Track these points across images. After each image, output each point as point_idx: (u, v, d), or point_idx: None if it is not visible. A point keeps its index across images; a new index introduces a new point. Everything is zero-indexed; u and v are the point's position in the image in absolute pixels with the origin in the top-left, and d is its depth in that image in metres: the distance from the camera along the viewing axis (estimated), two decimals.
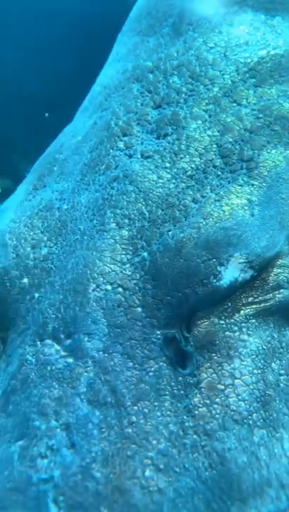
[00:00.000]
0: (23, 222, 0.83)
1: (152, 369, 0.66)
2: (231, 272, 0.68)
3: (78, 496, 0.58)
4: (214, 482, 0.62)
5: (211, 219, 0.69)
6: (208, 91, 0.87)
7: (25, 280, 0.76)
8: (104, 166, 0.83)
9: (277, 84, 0.88)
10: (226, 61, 0.91)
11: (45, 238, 0.79)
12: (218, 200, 0.71)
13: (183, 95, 0.88)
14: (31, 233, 0.81)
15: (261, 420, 0.65)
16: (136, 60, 0.98)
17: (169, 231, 0.71)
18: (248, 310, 0.70)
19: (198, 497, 0.60)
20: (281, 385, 0.67)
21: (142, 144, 0.84)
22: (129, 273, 0.70)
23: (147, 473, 0.60)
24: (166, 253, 0.69)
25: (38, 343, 0.69)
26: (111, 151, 0.85)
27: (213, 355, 0.67)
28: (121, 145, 0.85)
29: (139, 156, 0.82)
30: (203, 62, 0.91)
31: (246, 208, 0.70)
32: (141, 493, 0.59)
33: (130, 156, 0.83)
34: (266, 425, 0.65)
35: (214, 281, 0.67)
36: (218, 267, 0.67)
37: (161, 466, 0.60)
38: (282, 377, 0.68)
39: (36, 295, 0.74)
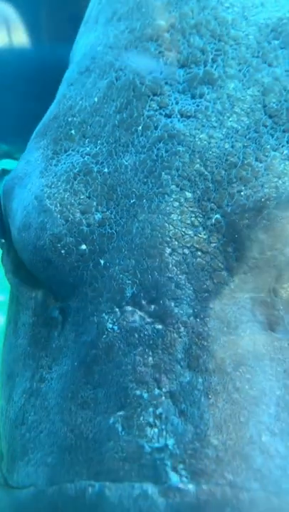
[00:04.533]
0: (62, 187, 0.79)
1: (247, 333, 0.66)
2: None
3: (199, 463, 0.58)
4: None
5: (286, 178, 0.71)
6: (236, 51, 0.89)
7: (84, 247, 0.73)
8: (140, 127, 0.82)
9: None
10: (246, 21, 0.94)
11: (94, 203, 0.76)
12: (286, 159, 0.73)
13: (209, 54, 0.89)
14: (76, 198, 0.78)
15: None
16: (144, 19, 0.97)
17: (240, 191, 0.71)
18: None
19: None
20: None
21: (177, 103, 0.84)
22: (205, 236, 0.70)
23: (264, 438, 0.61)
24: (244, 214, 0.70)
25: (117, 310, 0.67)
26: (144, 111, 0.83)
27: None
28: (154, 105, 0.84)
29: (179, 116, 0.82)
30: (222, 22, 0.93)
31: None
32: (262, 457, 0.60)
33: (169, 116, 0.82)
34: None
35: None
36: None
37: (276, 431, 0.62)
38: None
39: (102, 261, 0.71)
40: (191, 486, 0.58)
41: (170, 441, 0.59)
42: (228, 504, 0.57)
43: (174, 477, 0.58)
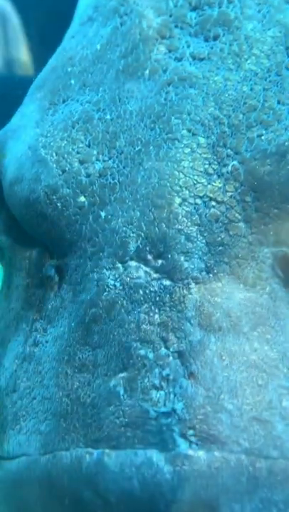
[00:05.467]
0: (59, 136, 0.75)
1: (266, 291, 0.62)
2: None
3: (211, 428, 0.54)
4: None
5: None
6: None
7: (83, 199, 0.69)
8: (147, 71, 0.78)
9: None
10: None
11: (94, 152, 0.72)
12: None
13: None
14: (74, 147, 0.73)
15: None
16: None
17: (261, 136, 0.67)
18: None
19: None
20: None
21: (188, 46, 0.80)
22: (220, 185, 0.66)
23: (285, 403, 0.57)
24: (265, 160, 0.65)
25: (120, 265, 0.63)
26: (152, 54, 0.79)
27: None
28: (162, 48, 0.79)
29: (191, 59, 0.77)
30: None
31: None
32: (283, 424, 0.56)
33: (179, 59, 0.77)
34: None
35: None
36: None
37: None
38: None
39: (103, 214, 0.67)
40: (201, 453, 0.54)
41: (178, 405, 0.55)
42: (244, 473, 0.53)
43: (182, 444, 0.54)
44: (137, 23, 0.83)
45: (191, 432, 0.54)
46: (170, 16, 0.83)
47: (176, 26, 0.82)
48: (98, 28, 0.89)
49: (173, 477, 0.53)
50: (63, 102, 0.82)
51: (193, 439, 0.54)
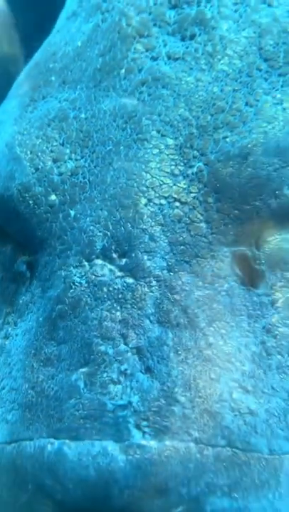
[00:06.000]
0: (34, 134, 0.78)
1: (224, 288, 0.66)
2: None
3: (164, 420, 0.58)
4: None
5: (276, 123, 0.69)
6: None
7: (54, 197, 0.72)
8: (123, 70, 0.80)
9: None
10: None
11: (67, 151, 0.75)
12: (278, 104, 0.71)
13: None
14: (48, 145, 0.77)
15: None
16: None
17: (226, 138, 0.70)
18: None
19: None
20: None
21: (165, 45, 0.82)
22: (185, 186, 0.69)
23: (235, 395, 0.61)
24: (228, 162, 0.68)
25: (86, 263, 0.67)
26: (129, 53, 0.81)
27: (286, 273, 0.68)
28: (140, 47, 0.82)
29: (166, 58, 0.80)
30: None
31: None
32: (232, 415, 0.60)
33: (155, 59, 0.80)
34: None
35: (288, 192, 0.68)
36: None
37: (249, 388, 0.62)
38: None
39: (72, 212, 0.71)
40: (153, 443, 0.58)
41: (134, 398, 0.60)
42: (192, 460, 0.58)
43: (136, 434, 0.58)
44: (117, 21, 0.85)
45: (144, 423, 0.59)
46: (149, 13, 0.85)
47: (154, 25, 0.84)
48: (81, 24, 0.91)
49: (126, 465, 0.57)
50: (43, 98, 0.85)
51: (147, 429, 0.59)
